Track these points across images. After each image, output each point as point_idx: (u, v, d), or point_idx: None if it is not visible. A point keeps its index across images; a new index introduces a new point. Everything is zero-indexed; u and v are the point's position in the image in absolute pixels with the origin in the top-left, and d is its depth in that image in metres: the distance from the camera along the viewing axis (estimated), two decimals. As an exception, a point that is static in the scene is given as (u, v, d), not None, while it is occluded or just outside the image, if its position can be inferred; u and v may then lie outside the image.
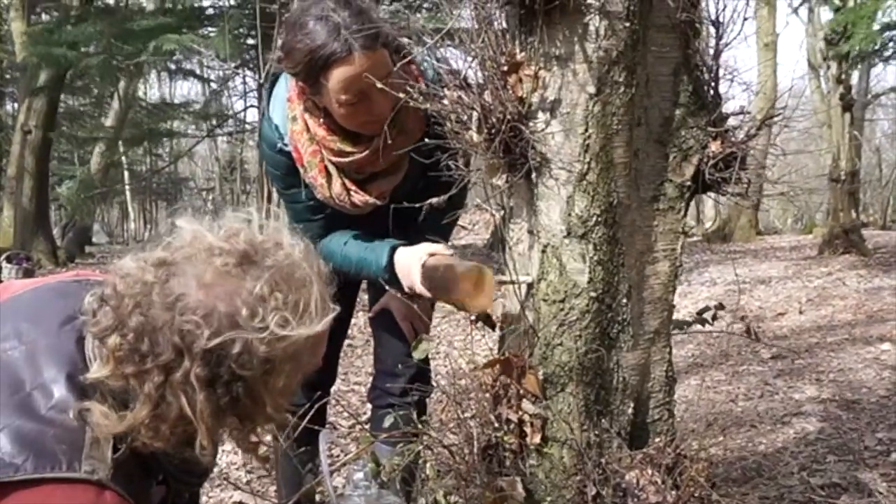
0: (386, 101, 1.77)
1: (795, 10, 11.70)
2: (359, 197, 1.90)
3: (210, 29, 9.20)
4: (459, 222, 2.34)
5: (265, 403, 1.12)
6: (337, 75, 1.72)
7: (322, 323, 1.14)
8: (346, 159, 1.86)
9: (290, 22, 1.79)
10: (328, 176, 1.89)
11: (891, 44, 9.19)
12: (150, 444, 1.09)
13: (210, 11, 9.79)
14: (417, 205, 1.65)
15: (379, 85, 1.67)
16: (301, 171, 1.91)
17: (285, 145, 1.93)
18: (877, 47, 8.98)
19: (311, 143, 1.88)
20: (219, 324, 1.05)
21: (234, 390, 1.08)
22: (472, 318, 1.61)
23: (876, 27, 8.12)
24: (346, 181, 1.90)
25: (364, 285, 2.30)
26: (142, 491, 1.15)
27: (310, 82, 1.78)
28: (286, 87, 1.93)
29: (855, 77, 12.21)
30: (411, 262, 1.80)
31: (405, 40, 1.87)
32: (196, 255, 1.09)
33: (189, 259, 1.09)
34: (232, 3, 9.74)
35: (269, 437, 1.19)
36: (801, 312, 6.03)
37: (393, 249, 1.88)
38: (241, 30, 9.04)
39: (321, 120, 1.86)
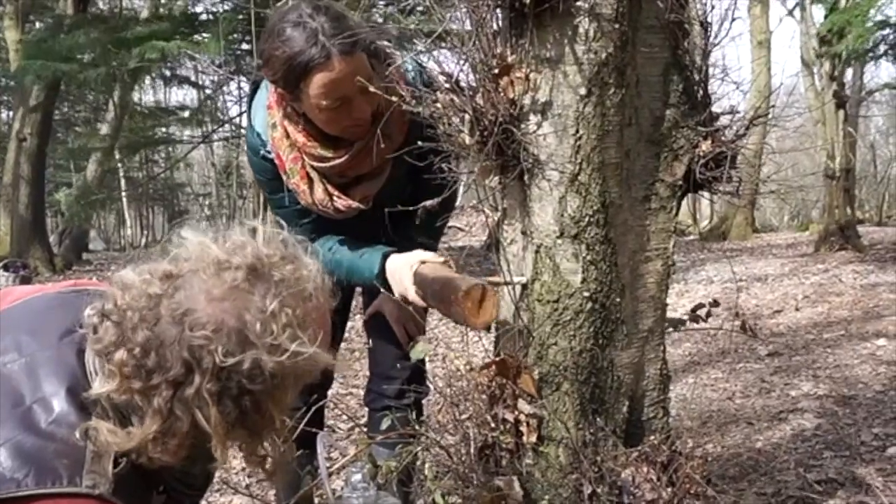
0: (367, 105, 1.78)
1: (791, 13, 11.71)
2: (342, 202, 1.90)
3: (205, 35, 9.21)
4: (457, 224, 2.36)
5: (272, 417, 1.12)
6: (316, 81, 1.72)
7: (328, 337, 1.15)
8: (327, 164, 1.87)
9: (268, 29, 1.79)
10: (310, 182, 1.90)
11: (883, 43, 9.22)
12: (158, 458, 1.09)
13: (203, 17, 9.80)
14: (411, 208, 1.66)
15: (371, 88, 1.68)
16: (284, 177, 1.92)
17: (268, 152, 1.94)
18: (870, 46, 9.00)
19: (292, 150, 1.88)
20: (228, 340, 1.05)
21: (243, 404, 1.08)
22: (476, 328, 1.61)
23: (869, 24, 8.15)
24: (329, 186, 1.90)
25: (359, 288, 2.31)
26: (143, 503, 1.15)
27: (289, 89, 1.78)
28: (267, 94, 1.94)
29: (849, 74, 12.23)
30: (403, 270, 1.81)
31: (385, 43, 1.88)
32: (203, 268, 1.09)
33: (196, 272, 1.09)
34: (226, 7, 9.75)
35: (275, 451, 1.19)
36: (797, 309, 6.05)
37: (385, 257, 1.88)
38: (235, 35, 9.05)
39: (300, 126, 1.86)
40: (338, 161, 1.86)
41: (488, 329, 1.64)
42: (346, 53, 1.71)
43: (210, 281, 1.08)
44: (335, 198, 1.90)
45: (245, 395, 1.08)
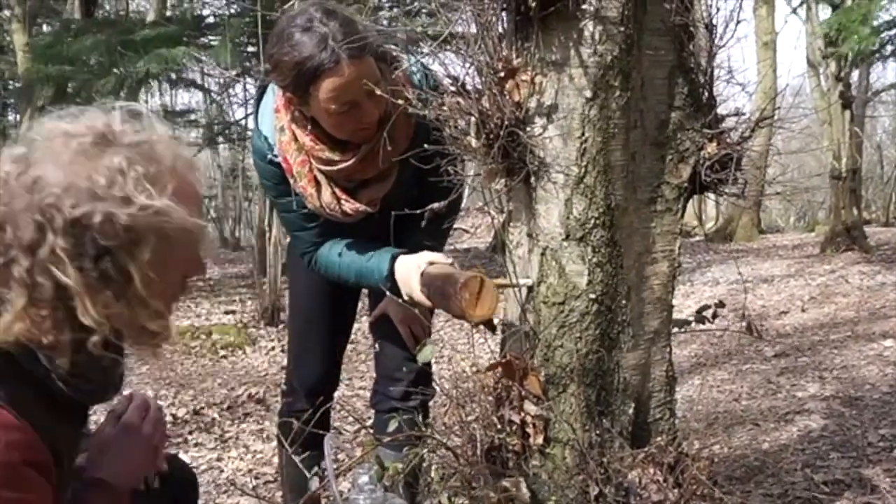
0: (374, 109, 1.79)
1: (795, 10, 11.66)
2: (349, 205, 1.91)
3: (210, 37, 9.23)
4: (462, 226, 2.36)
5: (138, 281, 1.13)
6: (326, 86, 1.73)
7: (190, 203, 1.17)
8: (335, 168, 1.88)
9: (276, 34, 1.80)
10: (317, 185, 1.90)
11: (890, 43, 9.19)
12: (34, 337, 1.09)
13: (210, 20, 9.81)
14: (418, 211, 1.67)
15: (378, 92, 1.69)
16: (291, 181, 1.93)
17: (275, 156, 1.95)
18: (875, 47, 8.97)
19: (300, 153, 1.89)
20: (77, 196, 1.08)
21: (103, 265, 1.10)
22: (474, 321, 1.62)
23: (874, 24, 8.12)
24: (336, 190, 1.91)
25: (365, 290, 2.32)
26: (43, 421, 1.13)
27: (298, 93, 1.79)
28: (274, 97, 1.95)
29: (855, 74, 12.19)
30: (410, 270, 1.82)
31: (392, 47, 1.89)
32: (53, 140, 1.12)
33: (46, 146, 1.12)
34: (232, 11, 9.76)
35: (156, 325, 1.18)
36: (803, 310, 6.03)
37: (394, 258, 1.89)
38: (241, 38, 9.06)
39: (308, 129, 1.87)
40: (345, 164, 1.87)
41: (493, 329, 1.64)
42: (355, 58, 1.72)
43: (59, 149, 1.11)
44: (343, 201, 1.91)
45: (104, 256, 1.10)
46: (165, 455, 1.46)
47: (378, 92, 1.69)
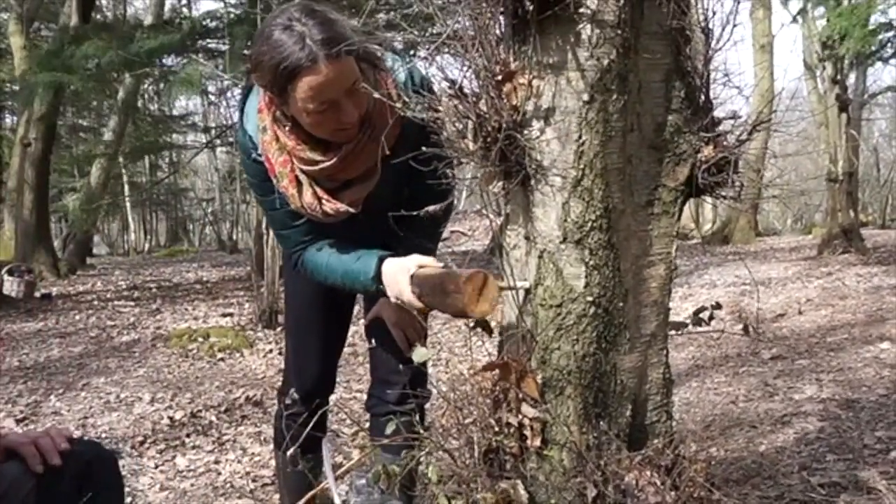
0: (354, 109, 1.78)
1: (795, 18, 11.68)
2: (330, 205, 1.90)
3: (209, 41, 9.22)
4: (460, 229, 2.37)
5: None
6: (304, 85, 1.73)
7: None
8: (316, 168, 1.87)
9: (258, 33, 1.81)
10: (299, 185, 1.89)
11: (889, 45, 9.22)
12: None
13: (210, 24, 9.79)
14: (414, 213, 1.67)
15: (374, 93, 1.68)
16: (273, 180, 1.93)
17: (259, 155, 1.94)
18: (876, 48, 9.00)
19: (282, 153, 1.89)
20: None
21: None
22: (471, 324, 1.62)
23: (871, 27, 8.15)
24: (318, 190, 1.90)
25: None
26: None
27: (277, 92, 1.79)
28: (258, 97, 1.95)
29: (851, 77, 12.22)
30: (399, 272, 1.79)
31: (375, 47, 1.88)
32: None
33: None
34: (232, 16, 9.75)
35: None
36: (800, 313, 6.04)
37: (381, 260, 1.88)
38: (242, 42, 9.05)
39: (288, 128, 1.87)
40: (326, 164, 1.86)
41: (489, 331, 1.64)
42: (333, 57, 1.71)
43: None
44: (324, 201, 1.90)
45: None
46: (69, 439, 1.64)
47: (371, 91, 1.69)
